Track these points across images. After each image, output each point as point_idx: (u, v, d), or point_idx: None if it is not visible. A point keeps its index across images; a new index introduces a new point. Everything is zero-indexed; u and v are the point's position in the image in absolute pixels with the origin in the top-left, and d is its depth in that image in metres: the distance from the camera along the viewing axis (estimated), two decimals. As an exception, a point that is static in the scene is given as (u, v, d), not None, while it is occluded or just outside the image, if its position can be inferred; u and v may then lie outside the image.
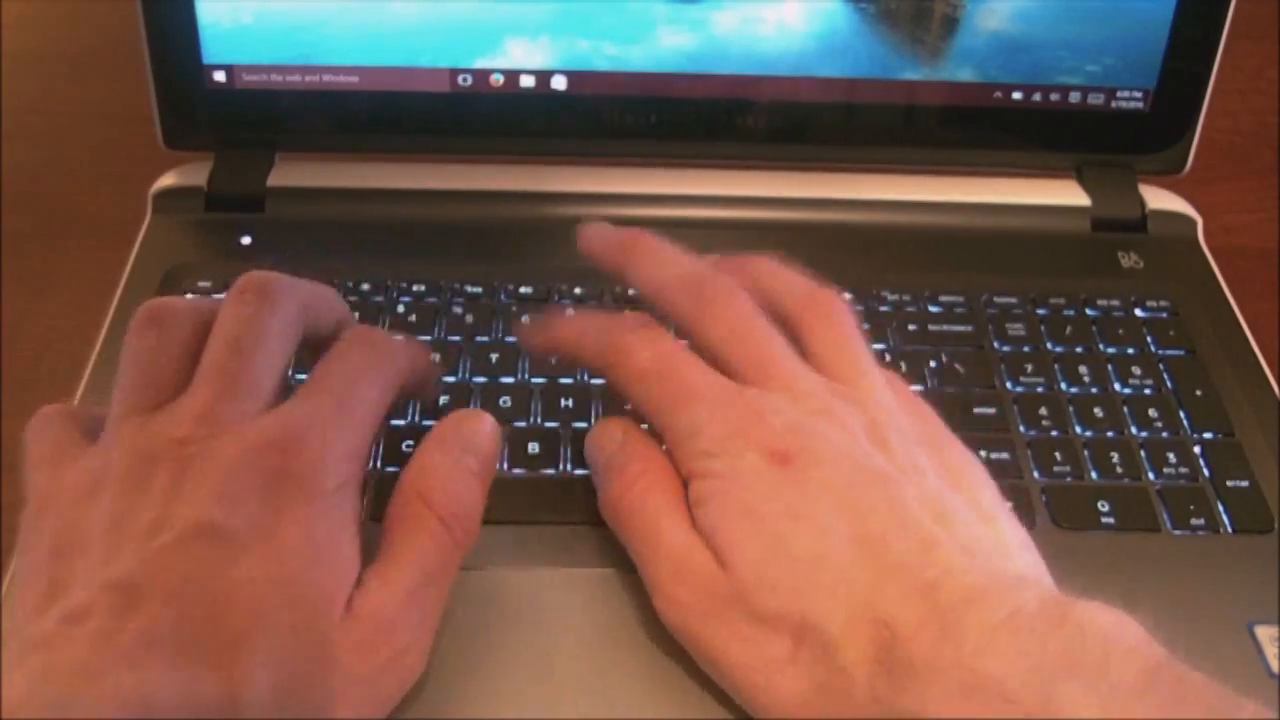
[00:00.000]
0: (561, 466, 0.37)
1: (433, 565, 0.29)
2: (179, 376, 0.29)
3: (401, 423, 0.38)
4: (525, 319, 0.36)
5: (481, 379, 0.40)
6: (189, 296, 0.34)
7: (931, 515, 0.29)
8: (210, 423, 0.27)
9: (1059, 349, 0.42)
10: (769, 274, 0.34)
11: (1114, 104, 0.46)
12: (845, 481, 0.29)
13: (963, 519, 0.29)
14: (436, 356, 0.39)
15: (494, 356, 0.40)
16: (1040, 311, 0.43)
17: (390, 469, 0.36)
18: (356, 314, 0.41)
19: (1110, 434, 0.39)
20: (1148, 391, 0.41)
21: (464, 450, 0.30)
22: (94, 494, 0.27)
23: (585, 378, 0.40)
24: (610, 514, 0.33)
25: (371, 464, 0.37)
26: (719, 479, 0.30)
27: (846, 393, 0.31)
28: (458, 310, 0.42)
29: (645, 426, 0.33)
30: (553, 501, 0.36)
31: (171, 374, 0.29)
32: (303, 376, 0.30)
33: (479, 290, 0.43)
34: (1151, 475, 0.38)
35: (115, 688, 0.23)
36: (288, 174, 0.47)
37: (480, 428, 0.31)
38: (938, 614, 0.26)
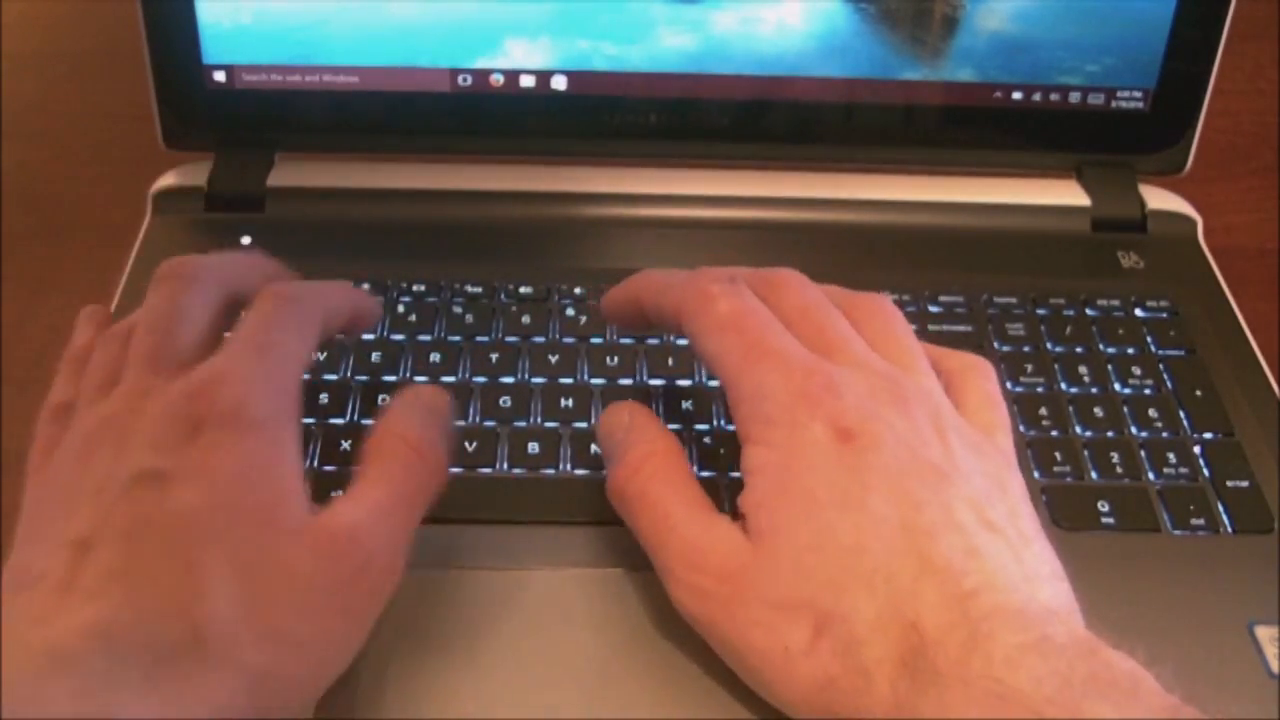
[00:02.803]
0: (562, 466, 0.37)
1: (402, 486, 0.30)
2: (116, 366, 0.31)
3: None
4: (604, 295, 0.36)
5: (481, 379, 0.40)
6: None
7: (978, 522, 0.28)
8: (139, 394, 0.29)
9: (1059, 349, 0.42)
10: (809, 282, 0.34)
11: (1114, 104, 0.46)
12: (901, 470, 0.29)
13: (1008, 536, 0.28)
14: (372, 297, 0.39)
15: (494, 356, 0.40)
16: (1040, 311, 0.43)
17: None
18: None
19: (1110, 434, 0.39)
20: (1148, 391, 0.41)
21: (427, 410, 0.32)
22: (55, 480, 0.29)
23: (585, 378, 0.40)
24: (616, 502, 0.32)
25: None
26: (777, 449, 0.29)
27: (914, 379, 0.31)
28: (458, 310, 0.42)
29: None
30: (553, 501, 0.36)
31: (108, 367, 0.31)
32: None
33: (479, 290, 0.43)
34: (1151, 475, 0.38)
35: (76, 624, 0.24)
36: (288, 174, 0.47)
37: (437, 395, 0.33)
38: (969, 624, 0.26)
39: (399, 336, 0.41)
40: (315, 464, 0.37)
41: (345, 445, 0.37)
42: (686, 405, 0.39)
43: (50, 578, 0.25)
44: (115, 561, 0.25)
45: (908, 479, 0.28)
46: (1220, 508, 0.37)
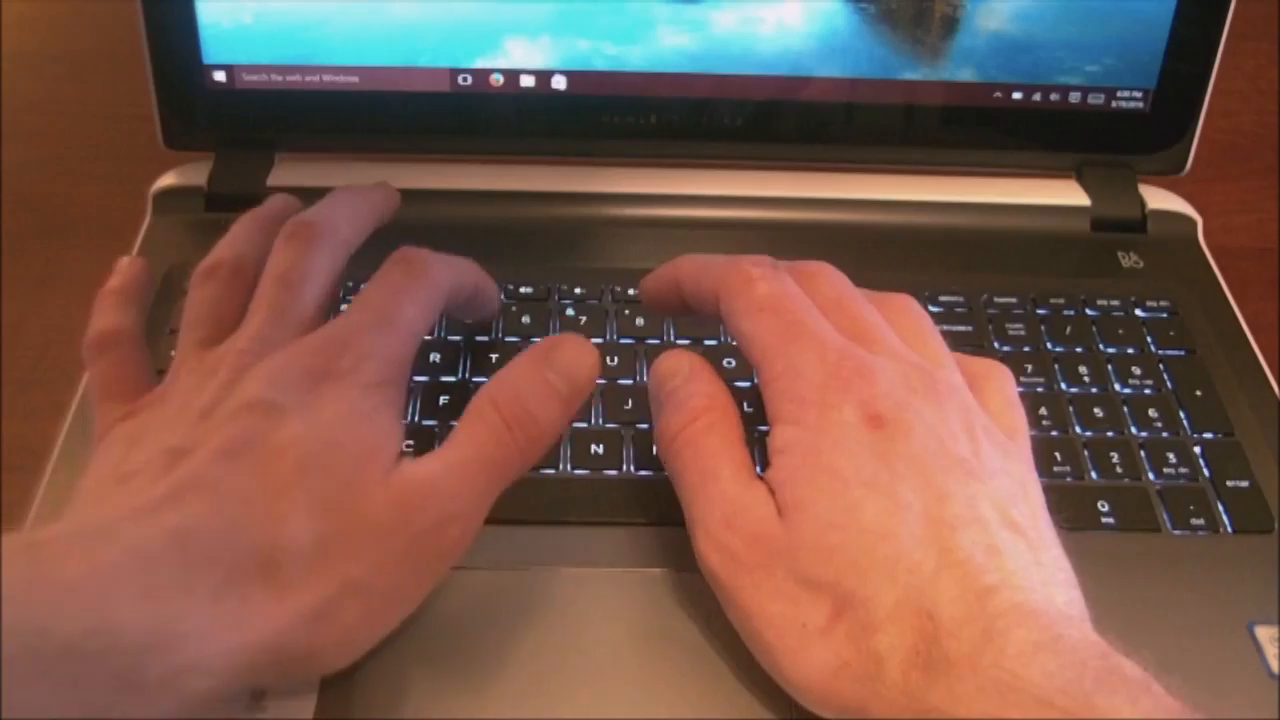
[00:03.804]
0: (563, 467, 0.37)
1: (486, 451, 0.29)
2: (235, 314, 0.32)
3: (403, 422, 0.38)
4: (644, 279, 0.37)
5: (481, 379, 0.40)
6: (233, 236, 0.36)
7: (1001, 520, 0.28)
8: (262, 340, 0.30)
9: (1059, 349, 0.42)
10: (843, 275, 0.35)
11: (1114, 104, 0.46)
12: (930, 461, 0.29)
13: (1029, 537, 0.28)
14: (493, 282, 0.39)
15: (494, 356, 0.40)
16: (1040, 311, 0.43)
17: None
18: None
19: (1110, 434, 0.39)
20: (1148, 391, 0.41)
21: (551, 368, 0.31)
22: (162, 401, 0.30)
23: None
24: (665, 448, 0.32)
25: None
26: (807, 429, 0.29)
27: (945, 374, 0.31)
28: (458, 310, 0.42)
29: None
30: (553, 502, 0.36)
31: (228, 314, 0.33)
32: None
33: (479, 290, 0.43)
34: (1151, 475, 0.38)
35: (158, 526, 0.25)
36: (288, 174, 0.47)
37: (578, 354, 0.31)
38: (985, 619, 0.26)
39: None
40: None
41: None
42: (686, 405, 0.39)
43: (142, 476, 0.27)
44: (208, 474, 0.26)
45: (935, 470, 0.28)
46: (1220, 508, 0.37)
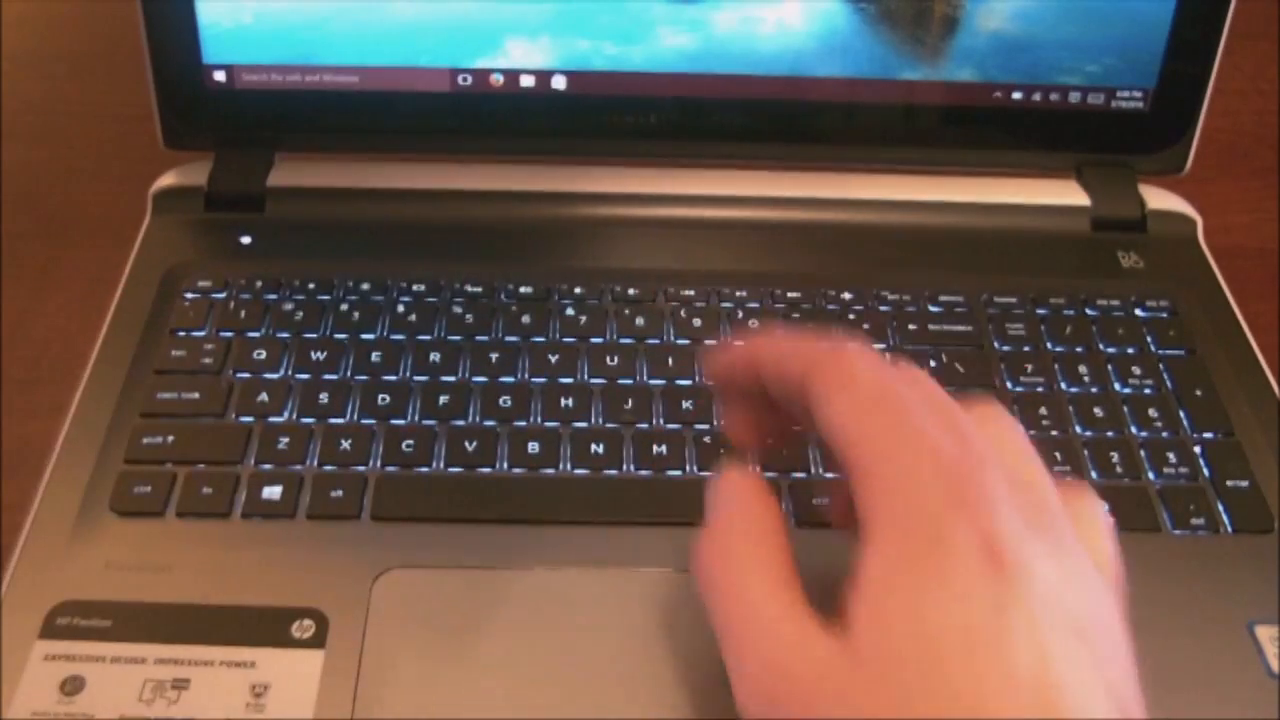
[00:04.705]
0: (562, 466, 0.37)
1: None
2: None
3: (402, 422, 0.38)
4: (712, 351, 0.32)
5: (481, 379, 0.40)
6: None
7: (1108, 696, 0.24)
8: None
9: (1059, 349, 0.42)
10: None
11: (1114, 104, 0.46)
12: (1042, 615, 0.24)
13: (1131, 714, 0.24)
14: None
15: (494, 356, 0.40)
16: (1040, 311, 0.43)
17: (389, 468, 0.37)
18: (356, 314, 0.42)
19: (1110, 434, 0.39)
20: (1148, 391, 0.41)
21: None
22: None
23: (585, 378, 0.40)
24: (692, 570, 0.28)
25: (372, 463, 0.37)
26: (914, 563, 0.24)
27: (1056, 505, 0.27)
28: (458, 310, 0.42)
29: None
30: (553, 501, 0.36)
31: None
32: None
33: (479, 290, 0.43)
34: (1151, 475, 0.38)
35: None
36: (288, 174, 0.47)
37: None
38: None
39: (399, 336, 0.41)
40: (316, 463, 0.37)
41: (345, 444, 0.37)
42: (687, 405, 0.39)
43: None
44: None
45: (1047, 628, 0.24)
46: (1220, 508, 0.37)
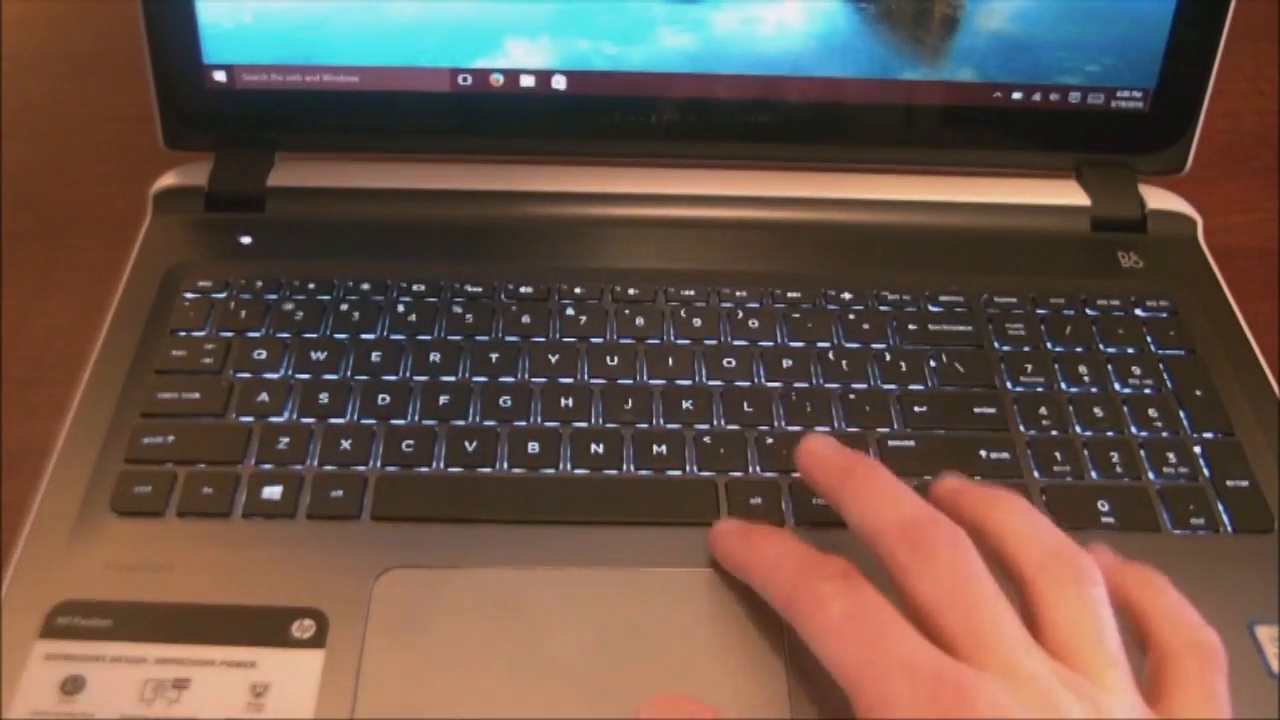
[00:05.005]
0: (561, 466, 0.37)
1: None
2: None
3: (402, 422, 0.38)
4: (721, 525, 0.34)
5: (481, 379, 0.40)
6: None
7: None
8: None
9: (1059, 349, 0.42)
10: (1008, 518, 0.30)
11: (1114, 104, 0.46)
12: None
13: None
14: None
15: (494, 356, 0.40)
16: (1040, 311, 0.43)
17: (389, 468, 0.37)
18: (356, 314, 0.42)
19: (1110, 434, 0.39)
20: (1148, 391, 0.41)
21: None
22: None
23: (585, 378, 0.40)
24: None
25: (372, 463, 0.37)
26: None
27: (1079, 685, 0.26)
28: (458, 310, 0.42)
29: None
30: (552, 501, 0.36)
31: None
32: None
33: (479, 290, 0.43)
34: (1151, 475, 0.38)
35: None
36: (288, 174, 0.47)
37: None
38: None
39: (399, 336, 0.41)
40: (316, 463, 0.37)
41: (345, 444, 0.37)
42: (687, 405, 0.39)
43: None
44: None
45: None
46: (1220, 507, 0.37)
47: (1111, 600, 0.28)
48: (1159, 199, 0.48)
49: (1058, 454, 0.38)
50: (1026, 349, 0.42)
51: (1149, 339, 0.43)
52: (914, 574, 0.28)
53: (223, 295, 0.42)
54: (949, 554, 0.28)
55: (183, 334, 0.41)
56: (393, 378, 0.40)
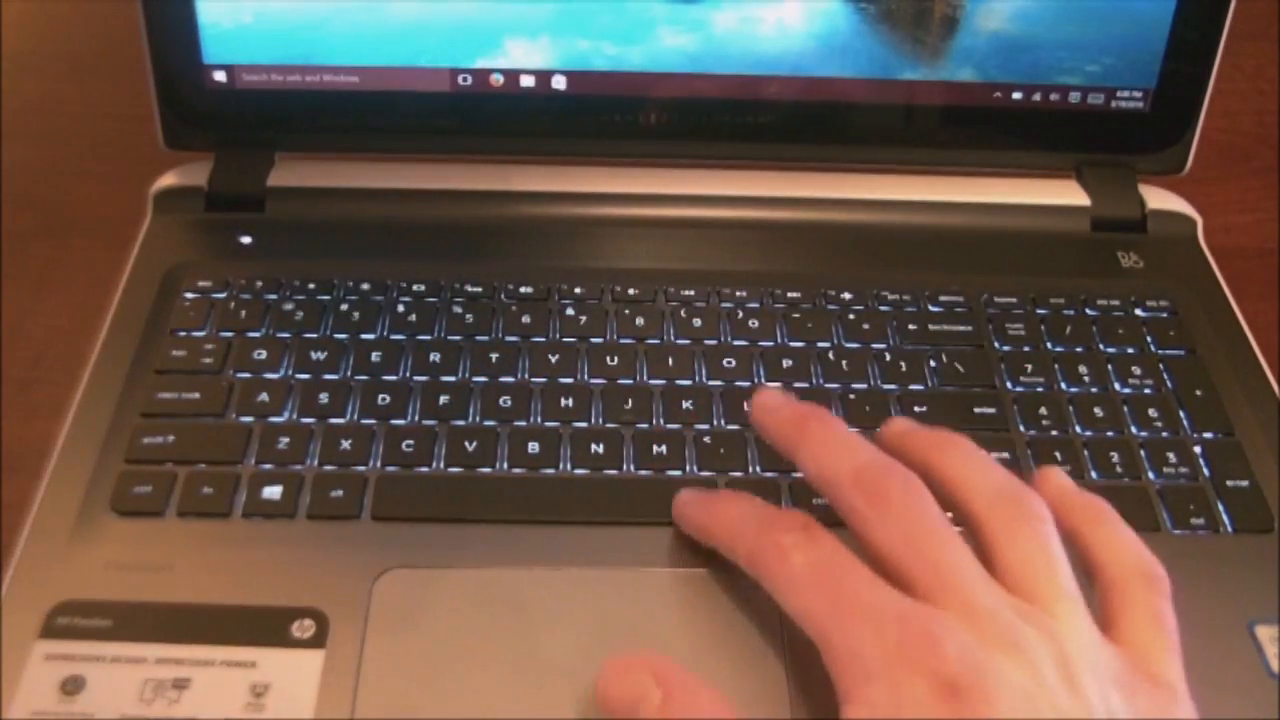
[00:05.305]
0: (562, 466, 0.37)
1: None
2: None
3: (402, 422, 0.38)
4: (683, 494, 0.34)
5: (481, 379, 0.40)
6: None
7: None
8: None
9: (1059, 349, 0.42)
10: (958, 462, 0.31)
11: (1114, 104, 0.46)
12: None
13: None
14: None
15: (494, 356, 0.40)
16: (1040, 311, 0.43)
17: (390, 468, 0.37)
18: (356, 314, 0.42)
19: (1110, 434, 0.39)
20: (1148, 391, 0.41)
21: None
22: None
23: (585, 378, 0.40)
24: None
25: (372, 463, 0.37)
26: (879, 710, 0.26)
27: (1035, 616, 0.27)
28: (458, 310, 0.42)
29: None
30: (552, 501, 0.36)
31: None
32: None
33: (479, 290, 0.43)
34: (1151, 475, 0.38)
35: None
36: (288, 174, 0.47)
37: None
38: None
39: (399, 336, 0.41)
40: (316, 463, 0.37)
41: (345, 444, 0.37)
42: (687, 405, 0.39)
43: None
44: None
45: None
46: (1220, 507, 0.37)
47: (1059, 532, 0.29)
48: (1159, 199, 0.48)
49: (1058, 454, 0.38)
50: (1026, 349, 0.42)
51: (1149, 339, 0.43)
52: (871, 521, 0.29)
53: (223, 295, 0.42)
54: (904, 499, 0.29)
55: (183, 334, 0.41)
56: (393, 378, 0.40)
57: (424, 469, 0.37)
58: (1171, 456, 0.38)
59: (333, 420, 0.38)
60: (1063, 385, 0.41)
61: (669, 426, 0.38)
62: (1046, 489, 0.31)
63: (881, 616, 0.27)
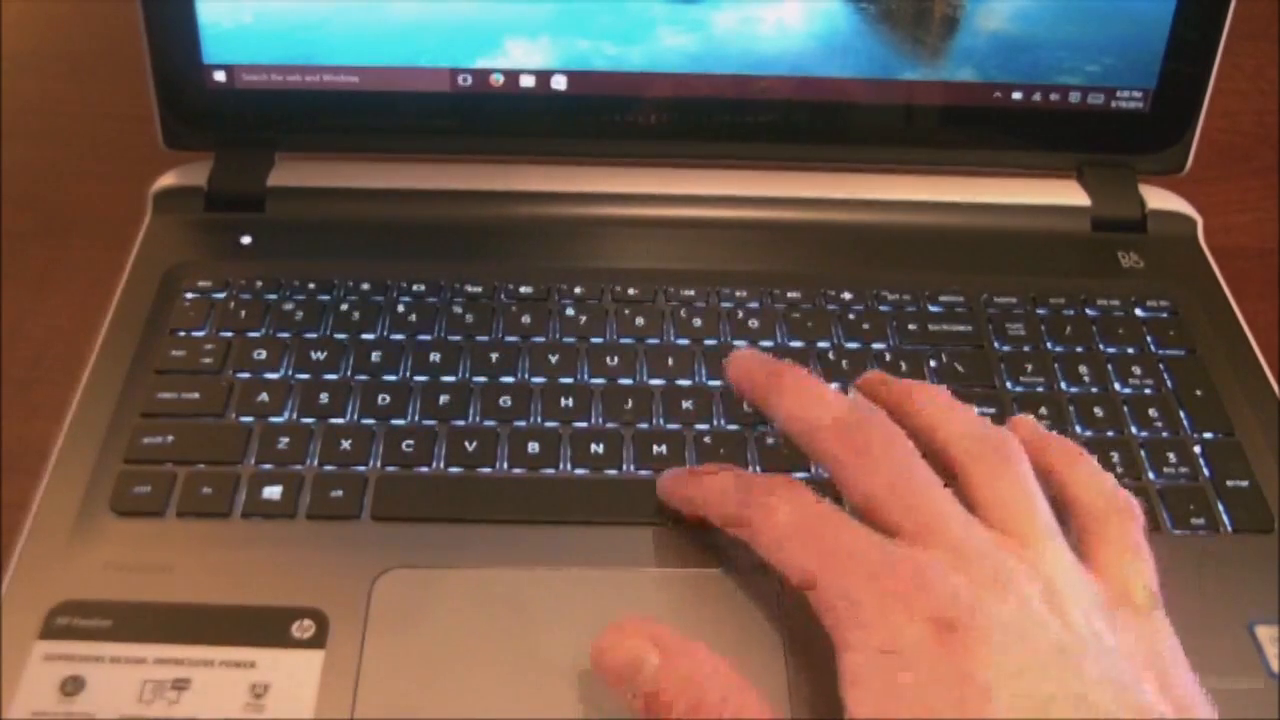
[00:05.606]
0: (562, 466, 0.37)
1: None
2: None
3: (402, 422, 0.38)
4: (667, 472, 0.35)
5: (481, 379, 0.40)
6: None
7: (1116, 700, 0.25)
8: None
9: (1059, 349, 0.42)
10: (933, 409, 0.31)
11: (1114, 104, 0.46)
12: (1018, 662, 0.25)
13: (1161, 713, 0.25)
14: None
15: (494, 356, 0.40)
16: (1040, 311, 0.43)
17: (390, 468, 0.37)
18: (356, 314, 0.42)
19: (1110, 434, 0.39)
20: (1148, 391, 0.41)
21: None
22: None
23: (585, 378, 0.40)
24: None
25: (372, 463, 0.37)
26: (877, 656, 0.26)
27: (1019, 552, 0.28)
28: (458, 310, 0.42)
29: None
30: (553, 501, 0.36)
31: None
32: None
33: (479, 290, 0.43)
34: (1151, 475, 0.38)
35: None
36: (288, 174, 0.47)
37: None
38: None
39: (399, 336, 0.41)
40: (316, 463, 0.37)
41: (345, 444, 0.37)
42: (687, 405, 0.39)
43: None
44: None
45: (1027, 672, 0.25)
46: (1220, 507, 0.37)
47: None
48: (1159, 199, 0.48)
49: (1058, 454, 0.38)
50: (1026, 349, 0.42)
51: (1149, 339, 0.43)
52: (853, 469, 0.29)
53: (223, 295, 0.42)
54: (884, 446, 0.29)
55: (182, 334, 0.41)
56: (393, 378, 0.40)
57: (424, 469, 0.37)
58: (1171, 456, 0.38)
59: (333, 420, 0.38)
60: (1063, 385, 0.41)
61: (669, 426, 0.38)
62: (1021, 431, 0.32)
63: (871, 562, 0.27)
